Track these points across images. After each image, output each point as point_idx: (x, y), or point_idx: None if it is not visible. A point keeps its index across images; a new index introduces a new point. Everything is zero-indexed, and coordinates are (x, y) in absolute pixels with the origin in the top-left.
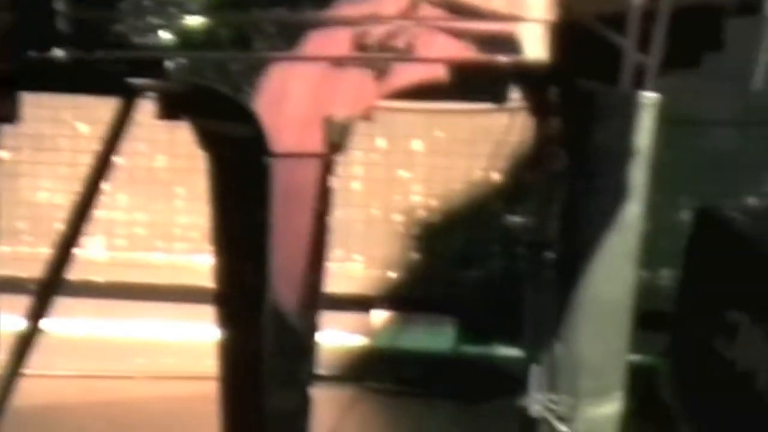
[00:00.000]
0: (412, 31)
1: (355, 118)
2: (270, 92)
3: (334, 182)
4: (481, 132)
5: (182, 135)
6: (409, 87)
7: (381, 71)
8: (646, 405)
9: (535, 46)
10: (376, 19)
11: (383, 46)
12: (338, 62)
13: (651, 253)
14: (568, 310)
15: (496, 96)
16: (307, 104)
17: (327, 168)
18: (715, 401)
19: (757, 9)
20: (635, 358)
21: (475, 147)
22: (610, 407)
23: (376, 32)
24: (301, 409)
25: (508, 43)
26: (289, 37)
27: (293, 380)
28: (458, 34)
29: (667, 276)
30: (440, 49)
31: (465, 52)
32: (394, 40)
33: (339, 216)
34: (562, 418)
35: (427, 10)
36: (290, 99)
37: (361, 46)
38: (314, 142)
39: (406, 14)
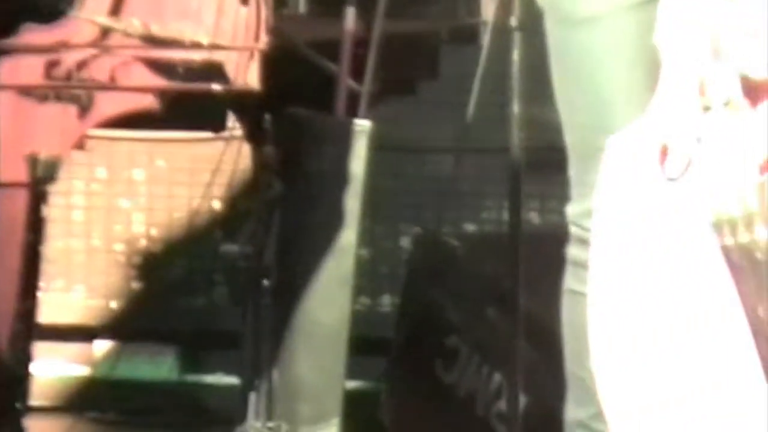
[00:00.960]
0: (108, 60)
1: (60, 154)
2: None
3: (51, 212)
4: (201, 160)
5: None
6: (116, 117)
7: (81, 101)
8: (365, 430)
9: (245, 74)
10: (71, 47)
11: (75, 76)
12: (34, 92)
13: (372, 280)
14: (285, 337)
15: (215, 125)
16: (5, 137)
17: (38, 199)
18: (434, 425)
19: (472, 39)
20: (355, 383)
21: (196, 176)
22: None
23: (68, 61)
24: None
25: (216, 73)
26: None
27: (5, 412)
28: (161, 64)
29: (388, 302)
30: (141, 79)
31: (168, 81)
32: (86, 69)
33: (59, 246)
34: None
35: (122, 40)
36: None
37: (52, 75)
38: (21, 174)
39: (99, 43)
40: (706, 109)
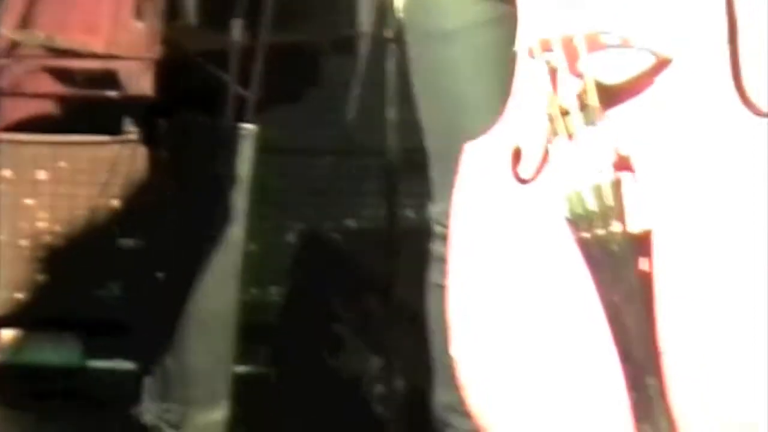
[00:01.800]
0: (12, 68)
1: None
2: None
3: None
4: (101, 162)
5: None
6: (20, 122)
7: None
8: (252, 412)
9: (140, 82)
10: None
11: None
12: None
13: (260, 272)
14: (179, 325)
15: (113, 129)
16: None
17: None
18: (320, 407)
19: (351, 49)
20: (243, 368)
21: (95, 176)
22: (218, 414)
23: None
24: None
25: (112, 81)
26: None
27: None
28: (63, 73)
29: (275, 292)
30: (44, 86)
31: (69, 88)
32: None
33: None
34: (173, 425)
35: (26, 50)
36: None
37: None
38: None
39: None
40: (564, 113)
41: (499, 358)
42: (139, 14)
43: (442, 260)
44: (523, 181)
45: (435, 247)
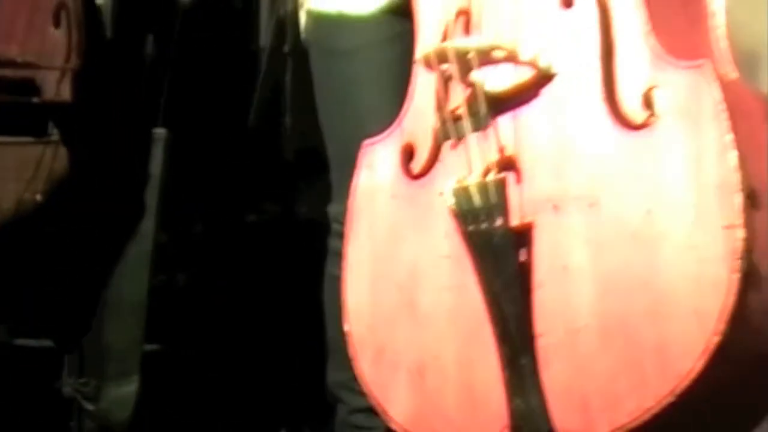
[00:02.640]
0: None
1: None
2: None
3: None
4: (27, 160)
5: None
6: None
7: None
8: (160, 385)
9: (60, 88)
10: None
11: None
12: None
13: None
14: (95, 307)
15: (37, 131)
16: None
17: None
18: (225, 384)
19: (253, 62)
20: (152, 346)
21: (22, 173)
22: (130, 387)
23: None
24: None
25: (34, 87)
26: None
27: None
28: None
29: (181, 278)
30: None
31: None
32: None
33: None
34: (89, 398)
35: None
36: None
37: None
38: None
39: None
40: (456, 118)
41: (389, 334)
42: (56, 23)
43: (338, 255)
44: (414, 177)
45: (332, 242)
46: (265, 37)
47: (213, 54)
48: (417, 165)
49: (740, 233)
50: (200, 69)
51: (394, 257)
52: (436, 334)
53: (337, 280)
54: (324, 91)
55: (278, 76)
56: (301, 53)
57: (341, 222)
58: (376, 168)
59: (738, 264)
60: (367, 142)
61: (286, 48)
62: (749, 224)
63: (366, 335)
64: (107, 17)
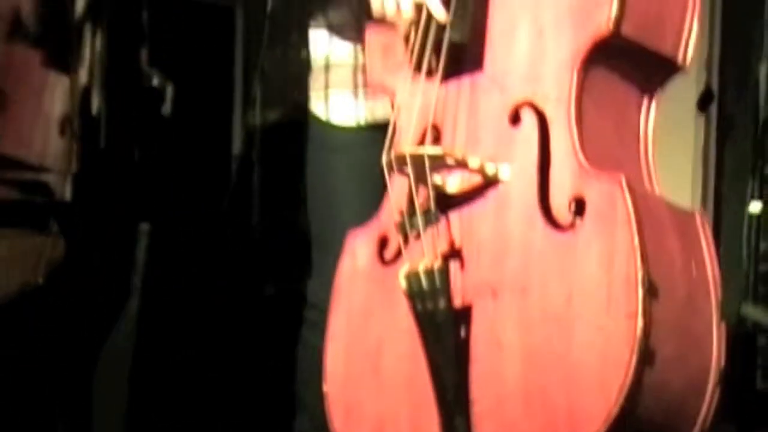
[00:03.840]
0: None
1: None
2: None
3: None
4: (31, 250)
5: None
6: None
7: None
8: None
9: (62, 189)
10: None
11: None
12: None
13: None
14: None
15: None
16: None
17: None
18: None
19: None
20: None
21: (27, 260)
22: None
23: None
24: None
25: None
26: None
27: None
28: None
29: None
30: None
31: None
32: None
33: None
34: None
35: None
36: None
37: None
38: None
39: None
40: (413, 213)
41: (357, 396)
42: (62, 132)
43: (315, 325)
44: (385, 263)
45: (308, 313)
46: (236, 145)
47: (191, 160)
48: (389, 253)
49: (640, 321)
50: (180, 173)
51: (366, 329)
52: (394, 397)
53: (311, 347)
54: (312, 180)
55: (247, 179)
56: (266, 160)
57: (319, 297)
58: (356, 254)
59: (637, 347)
60: (351, 231)
61: (254, 155)
62: (648, 314)
63: (339, 395)
64: (102, 129)
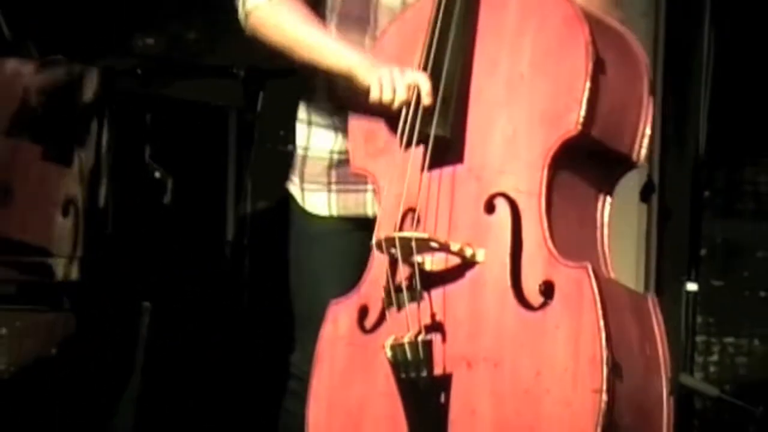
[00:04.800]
0: None
1: None
2: None
3: None
4: (45, 326)
5: None
6: None
7: None
8: None
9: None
10: None
11: None
12: None
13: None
14: None
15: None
16: None
17: None
18: None
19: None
20: None
21: (41, 335)
22: None
23: None
24: None
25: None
26: None
27: None
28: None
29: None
30: None
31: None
32: None
33: None
34: None
35: None
36: None
37: None
38: None
39: None
40: (397, 289)
41: None
42: (64, 213)
43: (297, 394)
44: (366, 331)
45: (291, 383)
46: (229, 232)
47: (189, 245)
48: (369, 322)
49: (605, 396)
50: (179, 256)
51: (347, 391)
52: None
53: (291, 415)
54: (294, 263)
55: (239, 262)
56: (255, 245)
57: (302, 369)
58: (338, 322)
59: (601, 420)
60: (333, 301)
61: (245, 241)
62: (612, 390)
63: None
64: (108, 217)
